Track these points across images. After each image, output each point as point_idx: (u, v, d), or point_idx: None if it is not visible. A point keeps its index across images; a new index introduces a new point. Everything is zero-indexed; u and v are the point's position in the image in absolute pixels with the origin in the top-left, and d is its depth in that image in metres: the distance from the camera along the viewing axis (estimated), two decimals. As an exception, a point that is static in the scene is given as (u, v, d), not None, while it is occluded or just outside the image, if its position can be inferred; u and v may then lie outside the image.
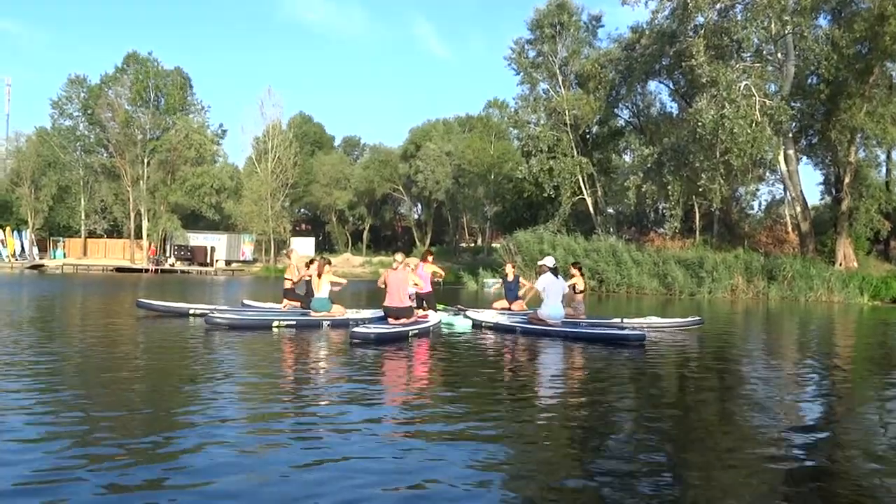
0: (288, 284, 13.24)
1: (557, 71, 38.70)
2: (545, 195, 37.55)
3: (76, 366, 7.19)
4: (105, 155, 54.58)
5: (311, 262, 12.76)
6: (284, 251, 13.14)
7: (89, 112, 54.23)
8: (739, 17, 27.75)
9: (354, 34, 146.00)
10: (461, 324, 12.22)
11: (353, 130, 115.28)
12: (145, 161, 51.89)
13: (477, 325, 12.17)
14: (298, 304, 12.77)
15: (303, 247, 55.03)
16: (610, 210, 41.25)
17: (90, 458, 3.97)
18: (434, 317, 11.83)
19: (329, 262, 12.17)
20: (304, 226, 71.36)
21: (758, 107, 26.01)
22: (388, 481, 3.71)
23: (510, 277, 14.57)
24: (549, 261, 12.14)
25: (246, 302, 14.56)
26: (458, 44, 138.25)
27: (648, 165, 30.71)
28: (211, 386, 6.22)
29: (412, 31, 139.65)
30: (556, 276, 11.69)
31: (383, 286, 10.98)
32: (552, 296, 11.38)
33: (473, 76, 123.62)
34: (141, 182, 51.08)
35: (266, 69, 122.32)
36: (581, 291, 13.11)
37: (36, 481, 3.56)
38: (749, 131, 25.33)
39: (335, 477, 3.76)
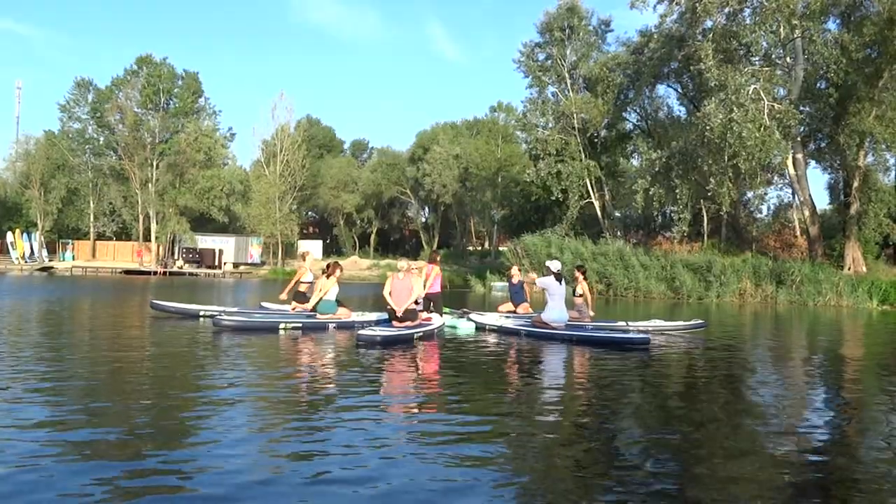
0: (303, 287, 13.20)
1: (566, 74, 38.67)
2: (553, 198, 37.54)
3: (88, 367, 7.25)
4: (114, 157, 54.85)
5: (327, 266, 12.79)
6: (300, 254, 13.05)
7: (98, 115, 54.56)
8: (748, 21, 27.59)
9: (366, 35, 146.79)
10: (464, 326, 12.21)
11: (362, 134, 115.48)
12: (154, 164, 52.17)
13: (481, 328, 12.18)
14: (305, 306, 12.80)
15: (311, 250, 55.12)
16: (618, 214, 41.18)
17: (96, 457, 4.02)
18: (438, 319, 11.84)
19: (341, 269, 12.24)
20: (311, 228, 71.53)
21: (766, 111, 25.89)
22: (392, 481, 3.73)
23: (515, 280, 14.56)
24: (554, 265, 12.06)
25: (264, 304, 14.73)
26: (469, 46, 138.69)
27: (656, 169, 30.60)
28: (217, 389, 6.28)
29: (424, 32, 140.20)
30: (559, 281, 11.62)
31: (388, 295, 10.92)
32: (556, 299, 11.37)
33: (484, 79, 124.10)
34: (150, 185, 51.31)
35: (276, 72, 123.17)
36: (580, 295, 12.88)
37: (46, 478, 3.61)
38: (757, 135, 25.22)
39: (339, 478, 3.79)
